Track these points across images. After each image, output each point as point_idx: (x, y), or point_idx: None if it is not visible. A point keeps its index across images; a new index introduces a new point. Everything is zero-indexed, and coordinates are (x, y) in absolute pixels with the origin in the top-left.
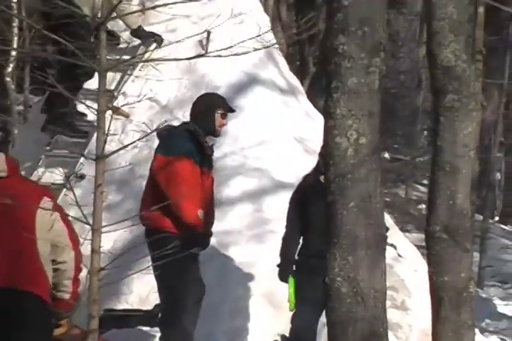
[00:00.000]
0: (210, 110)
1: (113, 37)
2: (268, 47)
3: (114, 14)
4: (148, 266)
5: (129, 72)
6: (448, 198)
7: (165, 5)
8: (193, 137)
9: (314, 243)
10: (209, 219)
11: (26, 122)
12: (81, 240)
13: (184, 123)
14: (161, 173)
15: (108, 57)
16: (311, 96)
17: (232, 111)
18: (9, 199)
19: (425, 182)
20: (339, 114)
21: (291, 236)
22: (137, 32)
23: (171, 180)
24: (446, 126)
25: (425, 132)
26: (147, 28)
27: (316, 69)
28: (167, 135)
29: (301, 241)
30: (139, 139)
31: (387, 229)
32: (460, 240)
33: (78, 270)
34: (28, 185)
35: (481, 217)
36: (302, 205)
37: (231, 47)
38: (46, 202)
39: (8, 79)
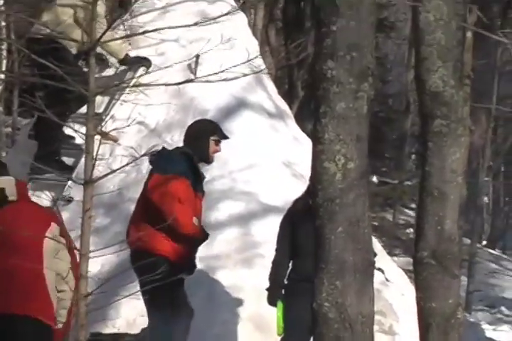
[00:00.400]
0: (204, 136)
1: (102, 61)
2: (257, 72)
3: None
4: (138, 291)
5: (116, 97)
6: (436, 224)
7: (154, 30)
8: (189, 160)
9: (304, 267)
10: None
11: (14, 145)
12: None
13: (178, 148)
14: (156, 191)
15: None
16: (300, 120)
17: (226, 137)
18: (18, 224)
19: (413, 206)
20: (327, 139)
21: (281, 260)
22: (124, 61)
23: (165, 198)
24: (434, 151)
25: (413, 156)
26: (136, 52)
27: (305, 93)
28: (164, 155)
29: (290, 265)
30: (127, 164)
31: (375, 255)
32: (448, 266)
33: None
34: (38, 209)
35: (468, 241)
36: (292, 229)
37: (220, 72)
38: (54, 228)
39: None
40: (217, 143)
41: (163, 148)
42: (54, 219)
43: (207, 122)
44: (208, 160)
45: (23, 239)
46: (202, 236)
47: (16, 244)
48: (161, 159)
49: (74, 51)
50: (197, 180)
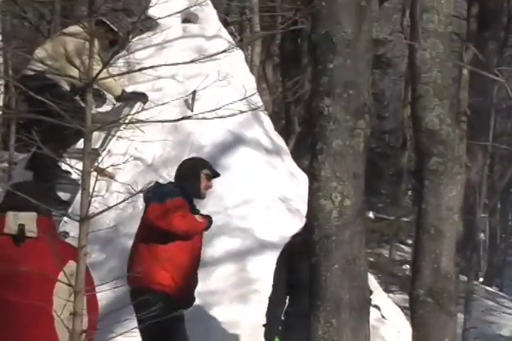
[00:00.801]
0: (196, 171)
1: (99, 96)
2: (254, 109)
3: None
4: (134, 328)
5: (113, 133)
6: (432, 262)
7: (150, 67)
8: (184, 193)
9: (301, 302)
10: (195, 280)
11: (10, 180)
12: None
13: (171, 183)
14: (162, 220)
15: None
16: (296, 155)
17: (217, 174)
18: (26, 261)
19: (409, 242)
20: (324, 176)
21: (278, 295)
22: (121, 97)
23: (174, 221)
24: (430, 189)
25: (410, 192)
26: (133, 88)
27: (302, 129)
28: (158, 187)
29: (287, 300)
30: (124, 200)
31: (371, 292)
32: (444, 304)
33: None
34: (56, 247)
35: (465, 278)
36: (289, 265)
37: (217, 109)
38: (71, 265)
39: None
40: (209, 178)
41: (157, 183)
42: (73, 256)
43: (198, 159)
44: (201, 196)
45: (28, 276)
46: (209, 223)
47: (20, 281)
48: (155, 191)
49: (67, 87)
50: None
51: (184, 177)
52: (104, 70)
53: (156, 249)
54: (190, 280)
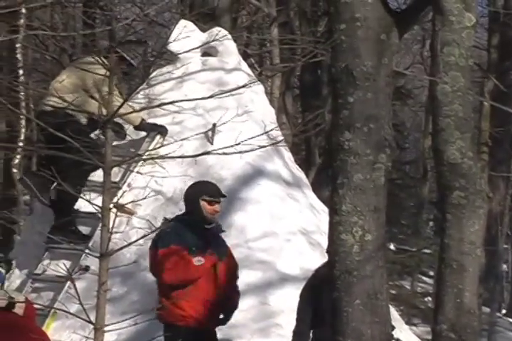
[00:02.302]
0: (195, 199)
1: (120, 131)
2: (273, 144)
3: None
4: None
5: (131, 168)
6: (455, 296)
7: (170, 103)
8: (186, 226)
9: (325, 337)
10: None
11: (32, 213)
12: (83, 338)
13: (177, 216)
14: (155, 270)
15: (114, 157)
16: (317, 187)
17: (223, 196)
18: None
19: (431, 273)
20: (345, 211)
21: (302, 329)
22: (140, 126)
23: (163, 274)
24: (453, 223)
25: (431, 222)
26: (153, 121)
27: (322, 160)
28: (166, 223)
29: (311, 334)
30: (143, 237)
31: (393, 328)
32: (468, 340)
33: None
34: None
35: (488, 310)
36: (313, 298)
37: (236, 145)
38: None
39: (14, 170)
40: (211, 203)
41: (165, 219)
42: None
43: (197, 185)
44: (207, 221)
45: None
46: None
47: None
48: (160, 232)
49: (84, 121)
50: (204, 243)
51: (187, 205)
52: (125, 105)
53: (165, 288)
54: (215, 306)
